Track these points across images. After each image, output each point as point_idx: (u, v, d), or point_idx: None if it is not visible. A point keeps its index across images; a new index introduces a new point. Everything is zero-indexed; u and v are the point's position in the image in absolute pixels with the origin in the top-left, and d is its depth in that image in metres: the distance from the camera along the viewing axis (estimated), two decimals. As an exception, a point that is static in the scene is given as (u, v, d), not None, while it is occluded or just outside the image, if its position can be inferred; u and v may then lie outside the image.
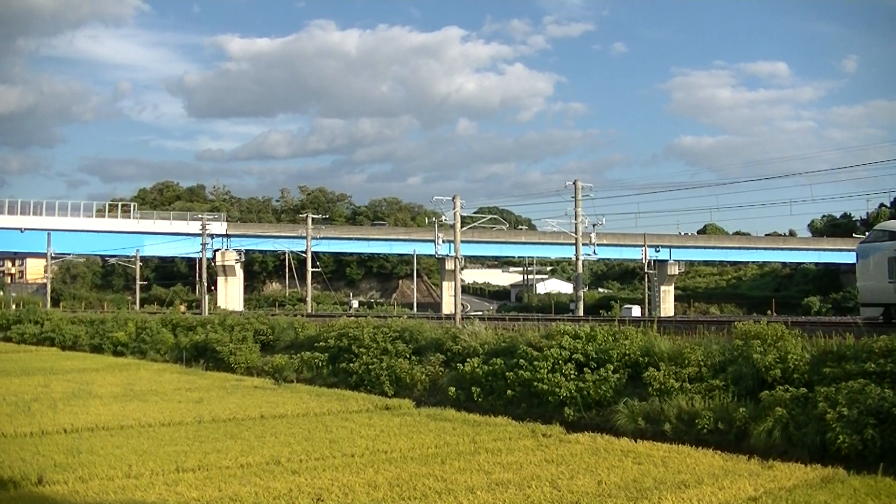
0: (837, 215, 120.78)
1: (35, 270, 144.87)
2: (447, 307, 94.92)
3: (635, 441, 25.42)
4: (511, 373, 32.76)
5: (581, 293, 72.50)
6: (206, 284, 76.20)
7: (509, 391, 32.59)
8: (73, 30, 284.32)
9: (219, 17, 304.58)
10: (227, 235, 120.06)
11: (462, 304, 55.07)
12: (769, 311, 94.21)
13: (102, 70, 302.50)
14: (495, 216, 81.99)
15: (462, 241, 50.63)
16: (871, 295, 38.27)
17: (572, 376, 30.93)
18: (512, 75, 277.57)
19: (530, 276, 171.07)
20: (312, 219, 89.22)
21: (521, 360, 32.74)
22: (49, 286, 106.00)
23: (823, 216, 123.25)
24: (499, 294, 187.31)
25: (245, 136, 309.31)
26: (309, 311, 77.58)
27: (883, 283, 36.99)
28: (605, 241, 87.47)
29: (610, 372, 30.33)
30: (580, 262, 68.11)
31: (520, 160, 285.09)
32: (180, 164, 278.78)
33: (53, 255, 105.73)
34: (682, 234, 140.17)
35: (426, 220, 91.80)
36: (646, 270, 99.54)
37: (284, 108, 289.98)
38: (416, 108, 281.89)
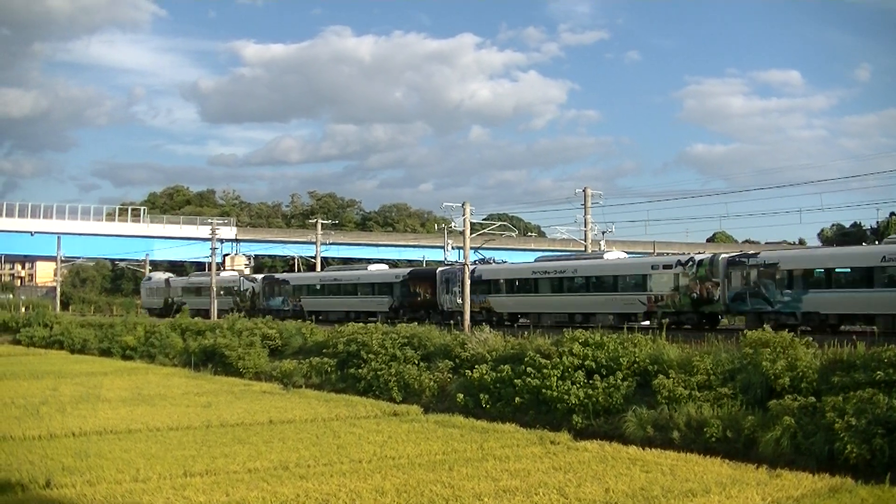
0: (847, 224, 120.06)
1: (45, 274, 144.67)
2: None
3: (643, 449, 25.40)
4: (519, 380, 32.73)
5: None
6: (215, 289, 76.07)
7: (517, 398, 32.56)
8: (89, 35, 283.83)
9: (234, 22, 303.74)
10: (237, 240, 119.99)
11: None
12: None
13: (117, 75, 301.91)
14: (505, 223, 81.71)
15: (471, 248, 50.53)
16: (146, 304, 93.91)
17: (581, 384, 30.89)
18: (525, 82, 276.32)
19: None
20: (322, 224, 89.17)
21: (530, 368, 32.72)
22: (58, 289, 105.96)
23: (833, 225, 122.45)
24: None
25: (258, 141, 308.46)
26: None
27: (152, 299, 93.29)
28: (614, 249, 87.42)
29: (619, 379, 30.30)
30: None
31: (531, 167, 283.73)
32: (192, 169, 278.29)
33: (63, 259, 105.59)
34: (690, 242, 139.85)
35: (436, 227, 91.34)
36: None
37: (298, 113, 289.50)
38: (429, 114, 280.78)
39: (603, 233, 64.98)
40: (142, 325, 66.02)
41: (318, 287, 71.30)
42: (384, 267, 73.08)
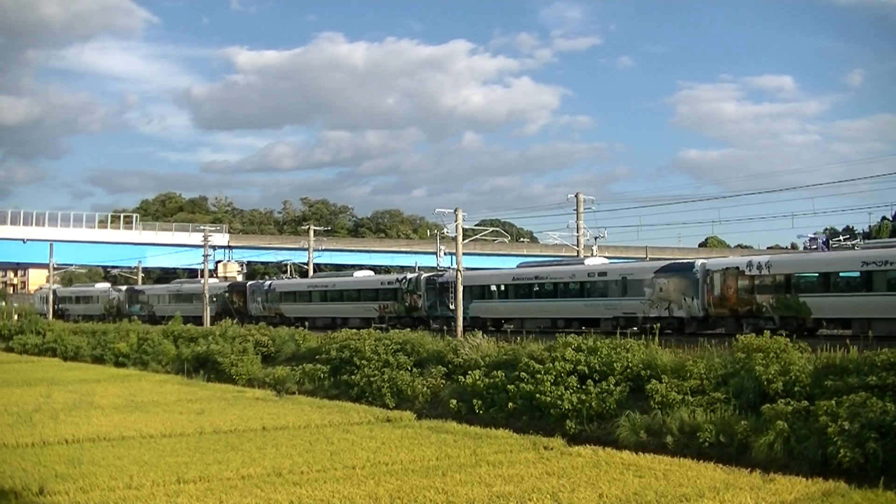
0: (839, 228, 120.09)
1: (37, 281, 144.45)
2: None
3: (637, 454, 25.43)
4: (513, 385, 32.73)
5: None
6: (207, 296, 75.96)
7: (511, 404, 32.56)
8: (82, 42, 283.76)
9: (228, 29, 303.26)
10: (230, 247, 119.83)
11: None
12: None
13: (110, 82, 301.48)
14: (497, 229, 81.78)
15: (464, 254, 50.47)
16: (37, 310, 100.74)
17: (575, 389, 30.91)
18: (518, 88, 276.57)
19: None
20: (314, 230, 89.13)
21: (523, 373, 32.72)
22: (51, 297, 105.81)
23: (825, 229, 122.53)
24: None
25: (250, 147, 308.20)
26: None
27: (42, 306, 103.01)
28: (606, 254, 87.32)
29: (612, 384, 30.32)
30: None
31: (524, 173, 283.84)
32: (185, 176, 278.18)
33: (55, 266, 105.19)
34: (683, 247, 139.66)
35: (428, 233, 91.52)
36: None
37: (291, 120, 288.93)
38: (422, 120, 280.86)
39: (595, 238, 64.85)
40: (134, 333, 65.87)
41: (164, 296, 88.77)
42: (215, 281, 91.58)
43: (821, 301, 37.68)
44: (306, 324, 56.00)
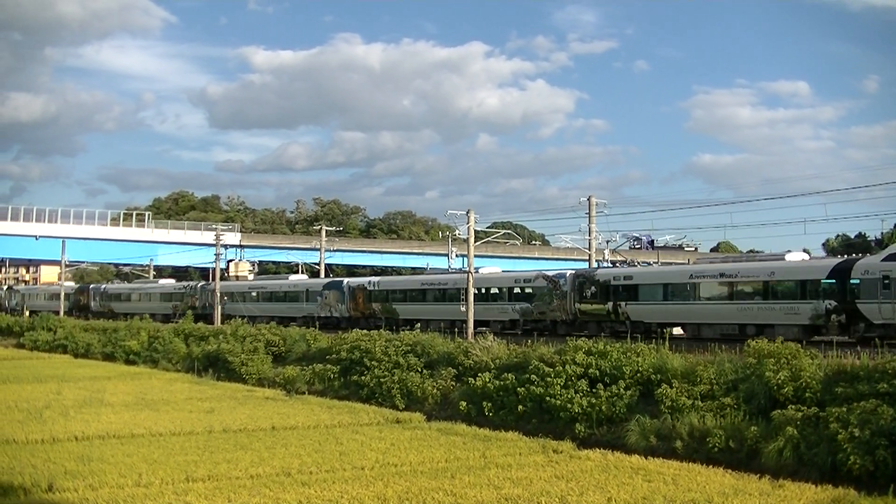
0: (852, 235, 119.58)
1: (49, 278, 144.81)
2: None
3: (646, 458, 25.38)
4: (523, 388, 32.70)
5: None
6: (219, 295, 76.12)
7: (520, 406, 32.53)
8: (99, 40, 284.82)
9: (244, 29, 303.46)
10: (241, 246, 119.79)
11: None
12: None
13: (126, 80, 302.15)
14: (509, 231, 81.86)
15: (475, 256, 50.44)
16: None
17: (585, 392, 30.86)
18: (533, 91, 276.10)
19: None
20: (326, 231, 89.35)
21: (534, 376, 32.69)
22: (62, 294, 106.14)
23: (838, 235, 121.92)
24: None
25: (265, 147, 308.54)
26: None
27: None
28: (618, 258, 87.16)
29: (622, 388, 30.27)
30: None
31: (538, 176, 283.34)
32: (199, 175, 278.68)
33: (67, 263, 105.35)
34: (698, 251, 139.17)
35: (440, 234, 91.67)
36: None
37: (305, 120, 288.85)
38: (436, 122, 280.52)
39: (607, 242, 64.86)
40: (145, 331, 65.97)
41: (34, 294, 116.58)
42: (71, 283, 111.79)
43: (403, 307, 59.00)
44: (126, 316, 76.86)
